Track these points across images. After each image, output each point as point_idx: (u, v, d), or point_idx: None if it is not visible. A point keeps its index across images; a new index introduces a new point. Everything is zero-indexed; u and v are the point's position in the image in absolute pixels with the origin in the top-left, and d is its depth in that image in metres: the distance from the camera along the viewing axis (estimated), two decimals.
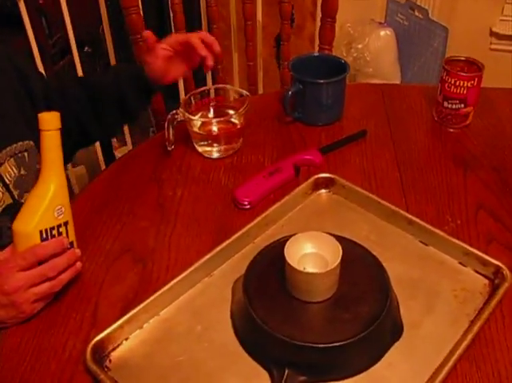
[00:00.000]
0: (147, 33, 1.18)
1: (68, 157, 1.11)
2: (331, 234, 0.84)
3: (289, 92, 1.22)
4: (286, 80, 1.81)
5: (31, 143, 1.05)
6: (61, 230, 0.87)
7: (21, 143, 1.03)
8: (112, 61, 2.18)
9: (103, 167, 2.30)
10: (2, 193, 1.00)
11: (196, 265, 0.90)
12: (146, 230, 1.01)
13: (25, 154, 1.04)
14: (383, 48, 2.63)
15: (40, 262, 0.85)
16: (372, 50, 2.60)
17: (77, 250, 0.90)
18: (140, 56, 1.25)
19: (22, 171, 1.03)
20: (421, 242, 0.96)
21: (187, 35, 1.16)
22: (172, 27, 2.08)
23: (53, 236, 0.86)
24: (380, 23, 2.68)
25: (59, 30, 3.13)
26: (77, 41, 2.05)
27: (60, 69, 3.27)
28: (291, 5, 1.78)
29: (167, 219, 1.03)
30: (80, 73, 1.99)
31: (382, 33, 2.62)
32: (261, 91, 1.93)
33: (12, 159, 1.02)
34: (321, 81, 1.22)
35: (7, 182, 1.00)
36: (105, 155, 2.29)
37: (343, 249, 0.80)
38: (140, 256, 0.96)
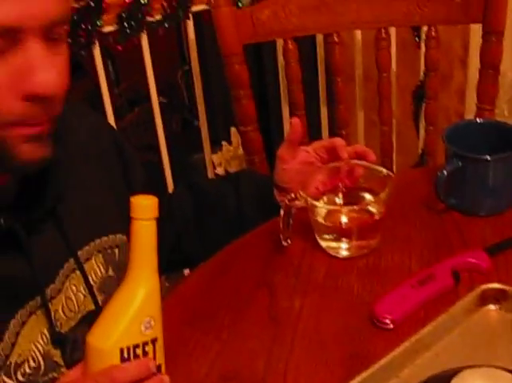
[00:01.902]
0: (295, 122, 1.22)
1: None
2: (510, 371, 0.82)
3: (445, 172, 1.22)
4: (429, 149, 1.82)
5: (124, 237, 1.11)
6: (147, 349, 0.88)
7: (112, 236, 1.10)
8: (202, 116, 2.26)
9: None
10: (84, 296, 1.04)
11: None
12: (254, 353, 1.01)
13: (116, 251, 1.10)
14: None
15: None
16: None
17: (166, 377, 0.91)
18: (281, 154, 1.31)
19: (110, 272, 1.09)
20: None
21: (333, 141, 1.21)
22: (280, 80, 2.15)
23: (136, 356, 0.87)
24: None
25: (128, 77, 3.29)
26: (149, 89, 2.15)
27: (127, 124, 3.40)
28: (439, 51, 1.80)
29: (282, 339, 1.03)
30: (160, 132, 2.09)
31: None
32: (394, 164, 1.94)
33: (100, 256, 1.08)
34: (488, 157, 1.21)
35: (92, 283, 1.05)
36: None
37: None
38: None
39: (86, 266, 1.05)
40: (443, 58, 2.22)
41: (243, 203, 1.29)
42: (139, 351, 0.87)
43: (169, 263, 1.32)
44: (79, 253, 1.04)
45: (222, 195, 1.32)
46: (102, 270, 1.07)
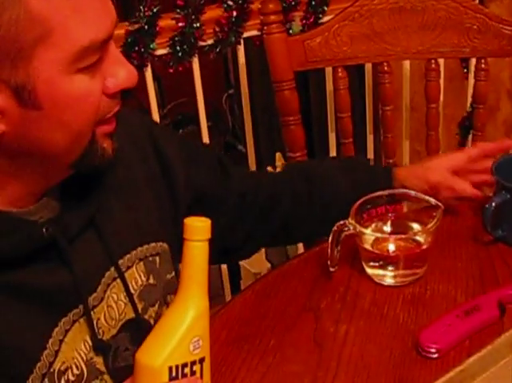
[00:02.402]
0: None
1: None
2: None
3: (493, 204, 1.22)
4: None
5: (165, 245, 1.12)
6: (194, 368, 0.89)
7: (153, 244, 1.10)
8: (249, 141, 2.27)
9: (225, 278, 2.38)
10: (125, 304, 1.05)
11: None
12: (298, 377, 1.02)
13: (157, 259, 1.11)
14: None
15: None
16: None
17: None
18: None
19: (151, 280, 1.10)
20: None
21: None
22: (328, 107, 2.16)
23: (184, 375, 0.88)
24: None
25: (173, 99, 3.32)
26: (195, 113, 2.17)
27: None
28: (488, 83, 1.81)
29: (327, 364, 1.04)
30: None
31: None
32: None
33: (141, 264, 1.09)
34: None
35: (132, 291, 1.06)
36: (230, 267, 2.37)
37: None
38: None
39: (127, 275, 1.05)
40: (491, 90, 2.23)
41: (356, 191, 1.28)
42: (187, 370, 0.88)
43: (273, 239, 1.38)
44: (120, 261, 1.05)
45: (336, 182, 1.34)
46: (143, 278, 1.08)
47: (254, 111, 2.50)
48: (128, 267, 1.06)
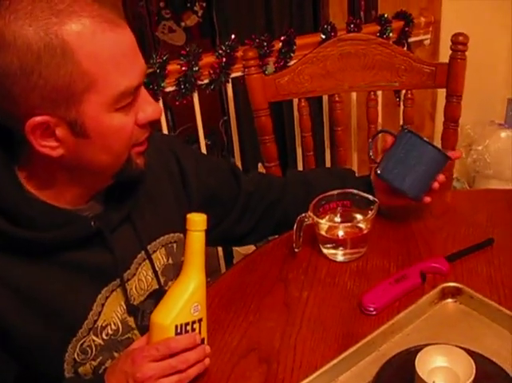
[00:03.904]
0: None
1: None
2: (463, 349, 0.82)
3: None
4: None
5: (181, 235, 1.12)
6: (194, 326, 0.90)
7: (172, 234, 1.11)
8: (236, 155, 2.26)
9: (221, 256, 2.37)
10: (152, 278, 1.07)
11: (322, 370, 0.90)
12: (272, 330, 1.02)
13: (174, 245, 1.12)
14: (503, 149, 2.58)
15: (171, 355, 0.88)
16: (492, 152, 2.57)
17: (207, 347, 0.93)
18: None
19: (170, 261, 1.11)
20: None
21: None
22: (296, 128, 2.17)
23: (186, 331, 0.90)
24: (500, 124, 2.65)
25: (182, 124, 3.32)
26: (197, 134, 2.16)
27: None
28: (414, 109, 1.81)
29: (293, 321, 1.04)
30: None
31: (503, 134, 2.59)
32: None
33: (163, 249, 1.10)
34: (424, 140, 1.19)
35: (157, 269, 1.07)
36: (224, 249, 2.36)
37: (475, 365, 0.78)
38: (266, 356, 0.97)
39: (153, 257, 1.07)
40: (416, 114, 2.24)
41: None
42: (189, 328, 0.90)
43: (275, 230, 1.37)
44: (148, 247, 1.06)
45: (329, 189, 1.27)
46: (164, 259, 1.09)
47: (242, 132, 2.50)
48: (154, 251, 1.08)
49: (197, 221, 0.89)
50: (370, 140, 1.33)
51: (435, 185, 1.22)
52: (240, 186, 1.29)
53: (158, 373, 0.87)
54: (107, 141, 0.88)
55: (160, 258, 1.09)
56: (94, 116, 0.85)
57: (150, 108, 0.91)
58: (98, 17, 0.83)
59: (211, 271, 2.31)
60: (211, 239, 1.29)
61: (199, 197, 1.19)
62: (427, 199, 1.23)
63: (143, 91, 0.91)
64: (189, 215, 0.89)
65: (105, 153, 0.90)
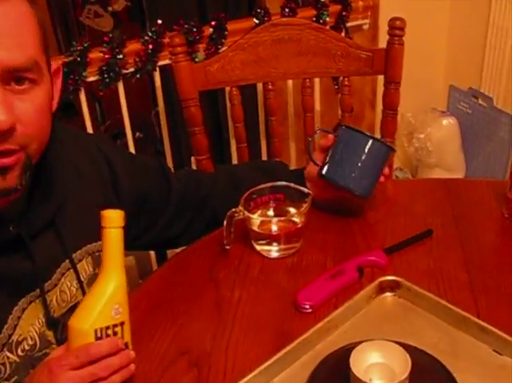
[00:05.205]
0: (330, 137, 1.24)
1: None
2: (399, 344, 0.84)
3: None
4: None
5: None
6: (116, 330, 0.89)
7: (100, 242, 1.08)
8: (167, 148, 2.25)
9: (153, 259, 2.36)
10: (76, 289, 1.05)
11: (255, 372, 0.90)
12: (202, 332, 1.02)
13: (101, 254, 1.09)
14: (445, 137, 2.65)
15: (92, 362, 0.87)
16: (435, 140, 2.62)
17: (132, 352, 0.92)
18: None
19: (96, 271, 1.08)
20: (495, 351, 0.93)
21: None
22: (229, 118, 2.17)
23: (107, 336, 0.88)
24: (443, 112, 2.71)
25: (111, 116, 3.28)
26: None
27: None
28: (351, 96, 1.83)
29: (225, 322, 1.04)
30: None
31: (444, 122, 2.65)
32: None
33: (89, 258, 1.08)
34: (365, 133, 1.21)
35: (82, 279, 1.05)
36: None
37: (411, 358, 0.80)
38: (196, 360, 0.97)
39: (78, 266, 1.05)
40: (356, 102, 2.27)
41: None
42: (109, 331, 0.88)
43: (206, 229, 1.33)
44: (73, 255, 1.04)
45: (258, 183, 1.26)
46: (90, 269, 1.08)
47: (177, 123, 2.48)
48: (79, 260, 1.06)
49: (113, 217, 0.88)
50: (309, 139, 1.33)
51: (382, 179, 1.24)
52: (170, 185, 1.28)
53: (77, 382, 0.85)
54: None
55: (86, 267, 1.07)
56: None
57: None
58: None
59: (143, 274, 2.30)
60: (144, 244, 1.30)
61: (131, 201, 1.18)
62: None
63: None
64: (104, 212, 0.88)
65: None
